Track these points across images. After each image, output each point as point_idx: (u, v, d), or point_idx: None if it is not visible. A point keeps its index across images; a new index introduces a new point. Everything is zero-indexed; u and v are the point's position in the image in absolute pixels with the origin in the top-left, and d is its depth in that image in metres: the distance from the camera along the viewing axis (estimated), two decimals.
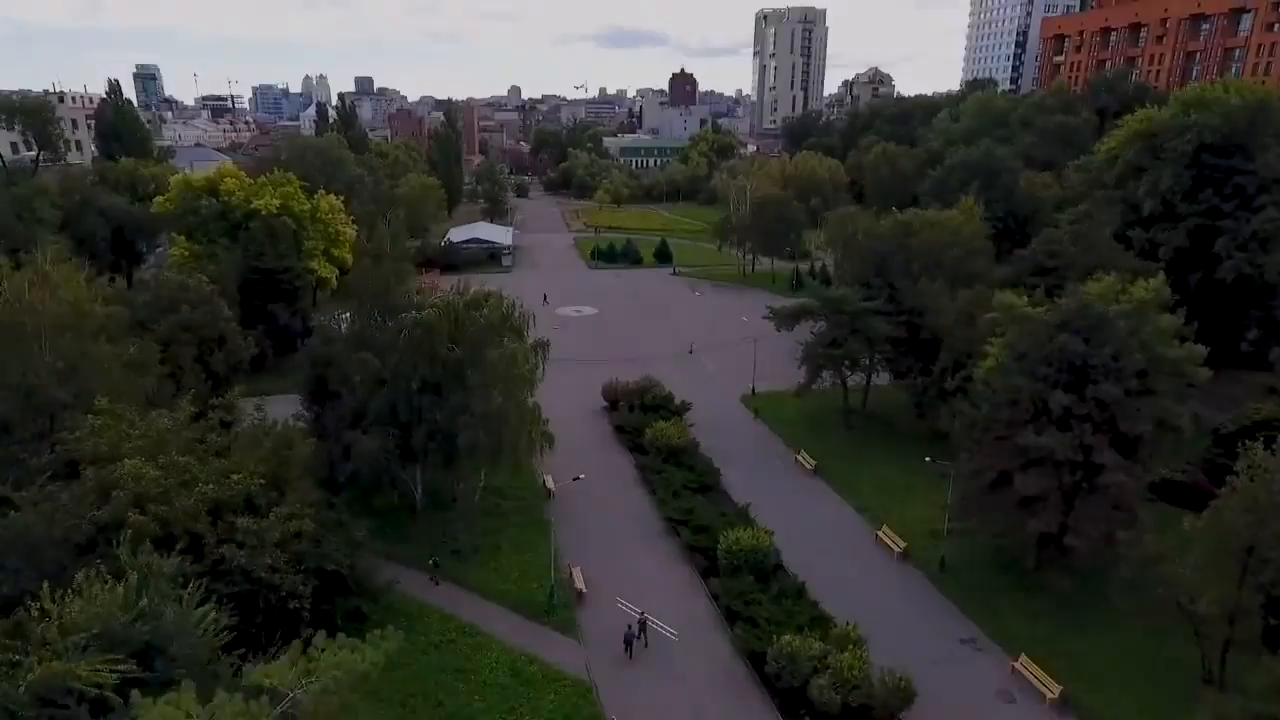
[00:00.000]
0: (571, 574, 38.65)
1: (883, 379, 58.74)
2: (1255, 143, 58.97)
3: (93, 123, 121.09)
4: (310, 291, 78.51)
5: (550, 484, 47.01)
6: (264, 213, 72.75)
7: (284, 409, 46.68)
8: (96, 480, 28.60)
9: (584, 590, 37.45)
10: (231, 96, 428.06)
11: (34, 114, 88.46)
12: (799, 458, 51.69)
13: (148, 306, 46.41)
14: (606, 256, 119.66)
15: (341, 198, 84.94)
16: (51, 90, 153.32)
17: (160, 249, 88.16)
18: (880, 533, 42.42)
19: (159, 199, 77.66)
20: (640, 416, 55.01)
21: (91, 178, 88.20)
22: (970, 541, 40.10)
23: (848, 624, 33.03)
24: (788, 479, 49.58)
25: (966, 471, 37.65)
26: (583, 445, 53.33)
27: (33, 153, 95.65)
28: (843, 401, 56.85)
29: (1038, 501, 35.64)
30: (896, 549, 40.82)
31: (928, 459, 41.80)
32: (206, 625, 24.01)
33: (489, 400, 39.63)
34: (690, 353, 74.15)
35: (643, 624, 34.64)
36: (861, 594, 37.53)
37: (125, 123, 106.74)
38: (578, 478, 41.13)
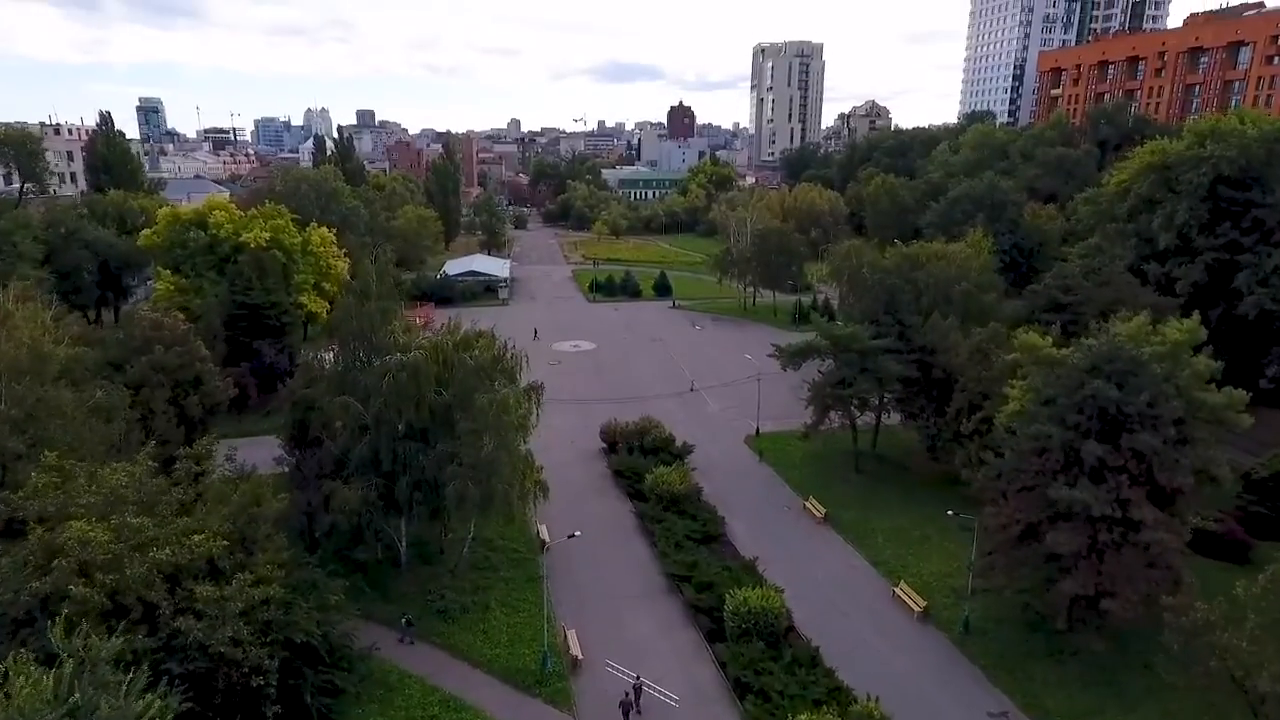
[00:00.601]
0: (566, 638, 35.71)
1: (892, 419, 56.23)
2: (1274, 175, 57.28)
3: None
4: (300, 326, 76.41)
5: (545, 534, 44.18)
6: (253, 246, 70.89)
7: (266, 452, 44.19)
8: (41, 544, 25.89)
9: (580, 656, 34.48)
10: (234, 129, 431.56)
11: (18, 145, 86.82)
12: (807, 505, 48.96)
13: (120, 346, 43.96)
14: (605, 289, 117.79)
15: (333, 230, 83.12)
16: (48, 122, 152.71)
17: (150, 283, 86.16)
18: (897, 589, 39.55)
19: (146, 232, 75.79)
20: (640, 460, 52.35)
21: (80, 210, 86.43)
22: (995, 599, 37.25)
23: (869, 698, 30.14)
24: (796, 528, 46.78)
25: (993, 525, 34.94)
26: (579, 491, 50.64)
27: (21, 185, 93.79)
28: (852, 443, 54.22)
29: (1070, 558, 32.95)
30: (916, 608, 37.93)
31: (950, 512, 39.11)
32: (152, 716, 21.18)
33: (479, 448, 37.02)
34: (691, 390, 71.65)
35: (638, 690, 31.77)
36: (880, 660, 34.62)
37: (115, 154, 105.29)
38: (573, 535, 38.38)
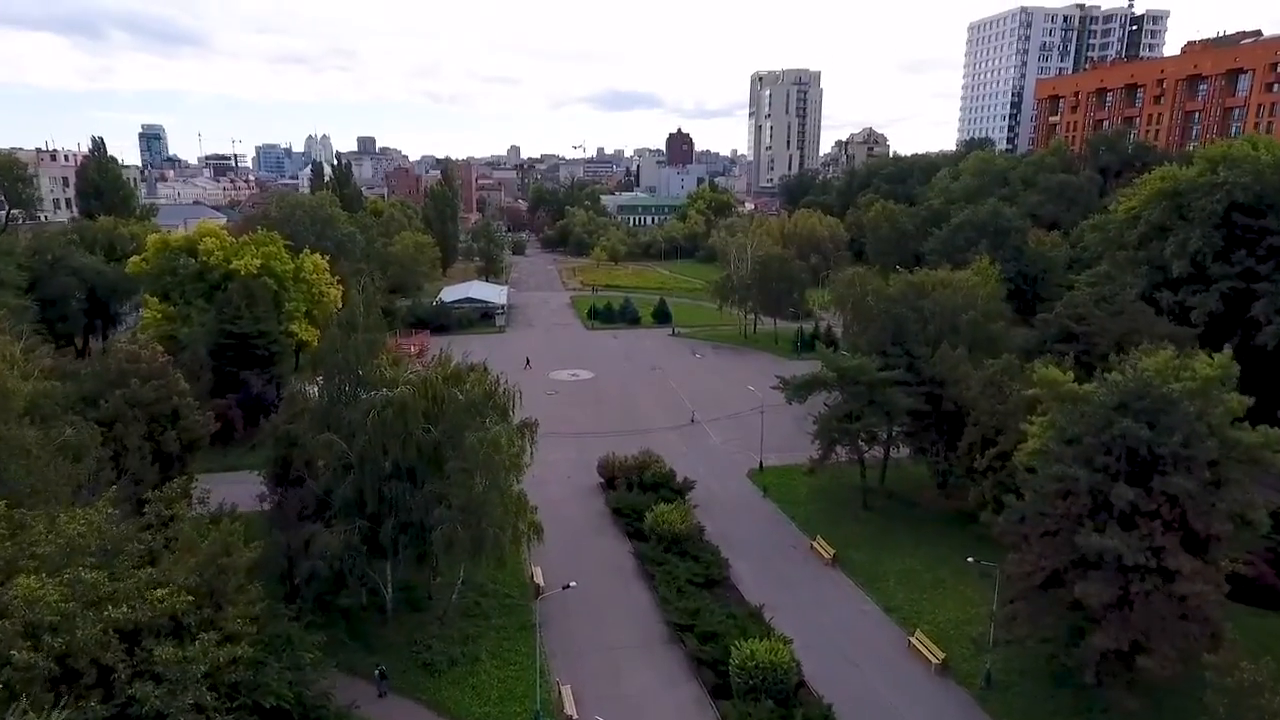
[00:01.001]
0: (560, 694, 33.36)
1: (901, 452, 54.21)
2: None
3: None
4: (291, 355, 74.54)
5: (539, 578, 41.93)
6: (243, 273, 69.27)
7: (250, 489, 42.19)
8: None
9: (574, 716, 32.10)
10: (235, 155, 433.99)
11: (5, 171, 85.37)
12: (815, 544, 46.74)
13: (94, 379, 41.99)
14: (604, 316, 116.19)
15: (327, 257, 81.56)
16: (44, 148, 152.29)
17: (141, 311, 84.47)
18: (913, 639, 37.23)
19: (134, 259, 74.24)
20: (639, 496, 50.18)
21: (70, 236, 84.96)
22: (1018, 650, 34.97)
23: None
24: (804, 570, 44.53)
25: (1016, 574, 32.77)
26: (576, 529, 48.46)
27: (8, 212, 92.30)
28: (860, 478, 52.12)
29: (1100, 609, 30.78)
30: (934, 660, 35.61)
31: (970, 559, 36.93)
32: None
33: (469, 488, 34.96)
34: (692, 422, 69.58)
35: None
36: (897, 718, 32.26)
37: (107, 180, 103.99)
38: (568, 586, 36.13)
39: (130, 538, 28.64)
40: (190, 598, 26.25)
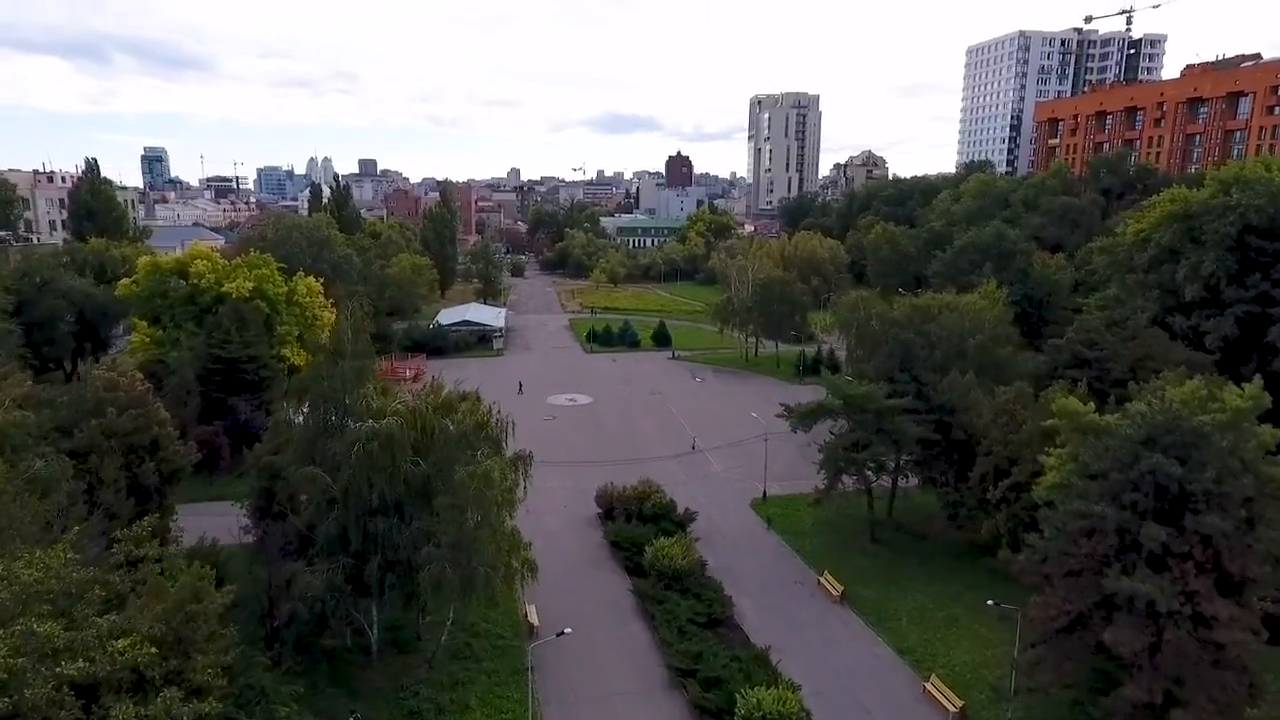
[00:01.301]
0: None
1: (908, 481, 52.35)
2: None
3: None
4: (283, 380, 72.77)
5: (533, 616, 39.95)
6: (235, 296, 67.80)
7: (234, 520, 40.35)
8: None
9: None
10: (236, 178, 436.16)
11: None
12: (822, 580, 44.78)
13: (70, 408, 40.28)
14: (603, 339, 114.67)
15: (322, 280, 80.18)
16: (41, 170, 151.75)
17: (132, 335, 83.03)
18: (929, 685, 35.20)
19: (124, 281, 72.86)
20: (638, 528, 48.25)
21: (60, 258, 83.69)
22: (1041, 698, 32.91)
23: None
24: (811, 608, 42.52)
25: (1039, 617, 30.90)
26: (573, 564, 46.55)
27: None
28: (867, 509, 50.27)
29: (1130, 656, 28.90)
30: (951, 708, 33.57)
31: (990, 601, 35.01)
32: None
33: (459, 525, 33.17)
34: (693, 449, 67.73)
35: None
36: None
37: (99, 201, 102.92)
38: (562, 632, 34.18)
39: (95, 581, 26.77)
40: (155, 649, 24.34)
